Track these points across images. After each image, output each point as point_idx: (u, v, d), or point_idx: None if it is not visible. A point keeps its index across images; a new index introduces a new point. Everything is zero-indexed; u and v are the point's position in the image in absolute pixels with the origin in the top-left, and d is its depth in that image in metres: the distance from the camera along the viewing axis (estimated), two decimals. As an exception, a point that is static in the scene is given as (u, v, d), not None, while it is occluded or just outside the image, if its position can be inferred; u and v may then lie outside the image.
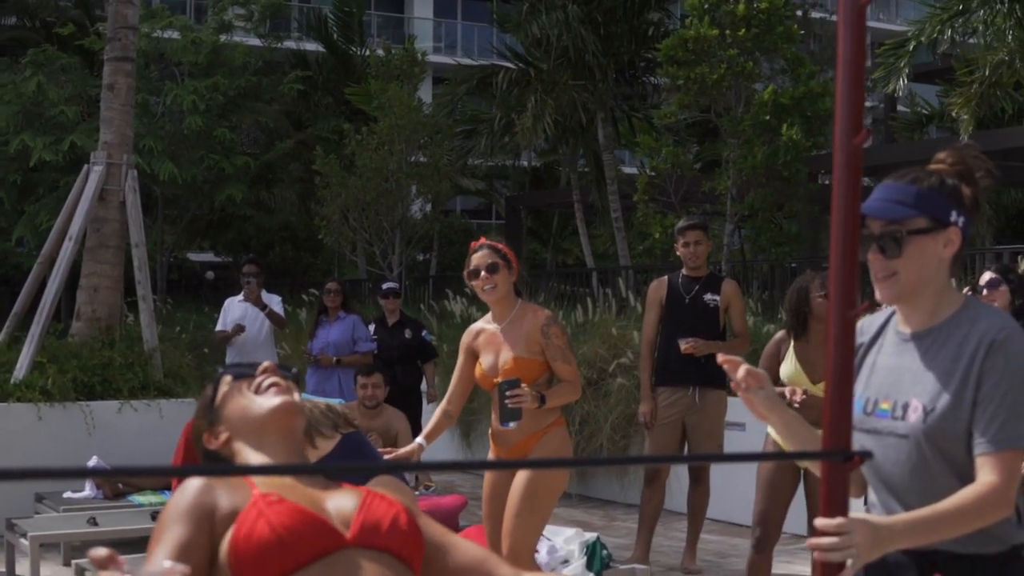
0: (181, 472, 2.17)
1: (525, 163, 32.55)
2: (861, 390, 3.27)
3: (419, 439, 6.76)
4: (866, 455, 2.69)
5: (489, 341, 6.71)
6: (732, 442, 9.52)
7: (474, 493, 13.13)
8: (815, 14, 30.52)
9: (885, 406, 3.24)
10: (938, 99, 30.75)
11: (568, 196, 26.06)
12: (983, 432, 3.06)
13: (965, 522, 3.01)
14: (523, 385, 6.37)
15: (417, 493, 10.85)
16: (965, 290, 7.71)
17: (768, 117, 13.66)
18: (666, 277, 9.55)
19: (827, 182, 21.18)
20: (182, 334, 19.35)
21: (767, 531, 7.49)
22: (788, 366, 7.36)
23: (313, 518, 2.69)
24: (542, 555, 7.41)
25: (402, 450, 6.77)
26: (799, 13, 14.50)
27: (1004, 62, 14.35)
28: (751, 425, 10.06)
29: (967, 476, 3.09)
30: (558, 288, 17.27)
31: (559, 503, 12.78)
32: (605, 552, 7.56)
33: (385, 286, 12.99)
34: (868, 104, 40.52)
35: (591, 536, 7.63)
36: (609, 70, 19.49)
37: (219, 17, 25.67)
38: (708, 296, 9.18)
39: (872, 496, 3.32)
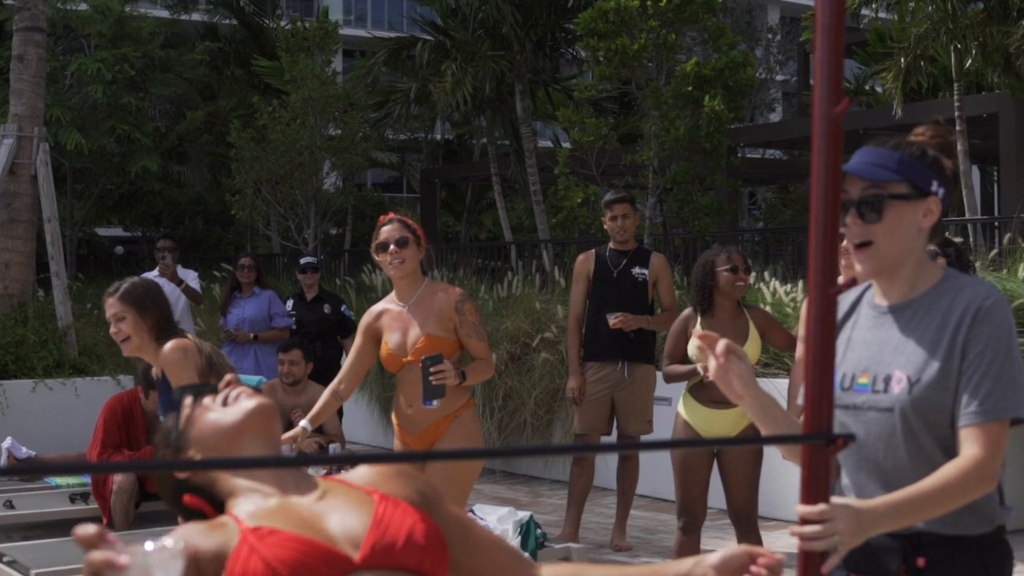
0: (152, 467, 2.00)
1: (439, 136, 32.37)
2: (836, 367, 3.15)
3: (303, 422, 6.56)
4: (849, 437, 2.58)
5: (395, 320, 6.48)
6: (658, 417, 9.42)
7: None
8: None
9: (864, 380, 3.11)
10: (856, 73, 30.97)
11: (484, 169, 25.93)
12: (967, 403, 2.96)
13: (949, 499, 2.90)
14: (446, 361, 6.22)
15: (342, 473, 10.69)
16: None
17: (690, 88, 13.58)
18: (593, 250, 9.44)
19: (746, 155, 21.27)
20: (94, 310, 18.98)
21: (692, 514, 7.45)
22: (696, 343, 7.28)
23: (314, 546, 2.39)
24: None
25: (287, 434, 6.39)
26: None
27: (928, 34, 14.38)
28: (677, 400, 9.99)
29: (953, 450, 2.99)
30: (476, 262, 17.12)
31: (483, 479, 12.75)
32: (539, 531, 7.43)
33: (303, 261, 12.80)
34: (780, 78, 40.89)
35: (524, 515, 7.50)
36: (527, 42, 19.33)
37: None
38: (636, 270, 9.09)
39: (844, 479, 3.21)
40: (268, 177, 20.64)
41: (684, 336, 7.44)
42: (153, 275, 12.42)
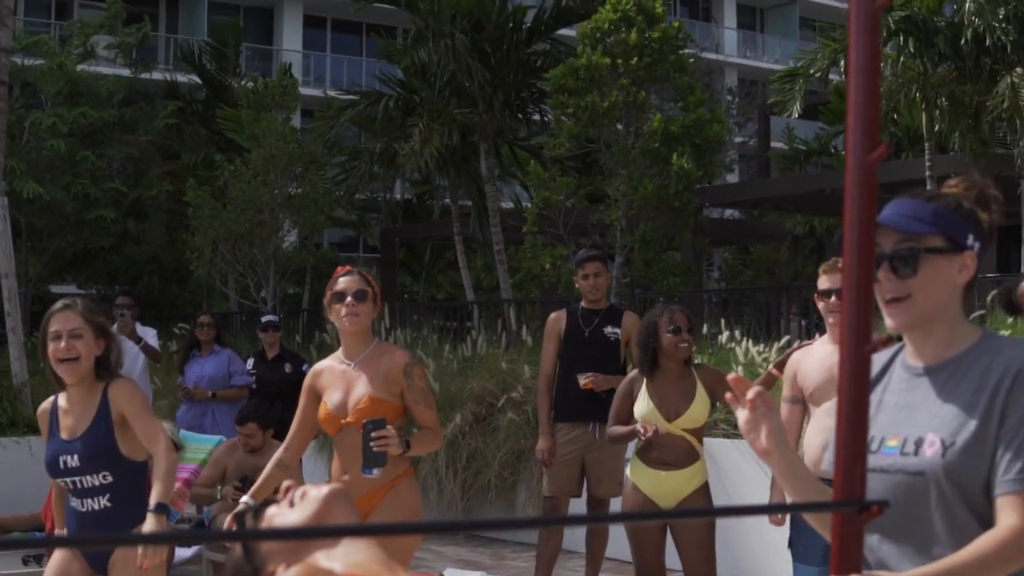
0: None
1: (398, 196, 32.24)
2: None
3: (244, 499, 6.09)
4: (883, 504, 2.39)
5: (338, 378, 6.07)
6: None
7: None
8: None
9: (893, 443, 2.91)
10: (820, 132, 31.11)
11: (444, 228, 25.80)
12: (1006, 470, 2.76)
13: (986, 572, 2.72)
14: (389, 427, 5.75)
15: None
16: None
17: (657, 145, 13.48)
18: (565, 309, 9.29)
19: (713, 215, 21.22)
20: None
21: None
22: (642, 404, 7.15)
23: None
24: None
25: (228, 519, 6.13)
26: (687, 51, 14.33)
27: (900, 89, 14.36)
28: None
29: (987, 520, 2.81)
30: (438, 322, 16.94)
31: (445, 541, 12.52)
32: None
33: (265, 319, 12.62)
34: (738, 139, 41.08)
35: (492, 581, 7.29)
36: (495, 100, 19.23)
37: (83, 45, 25.17)
38: (608, 329, 8.92)
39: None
40: (227, 235, 20.43)
41: (629, 398, 7.27)
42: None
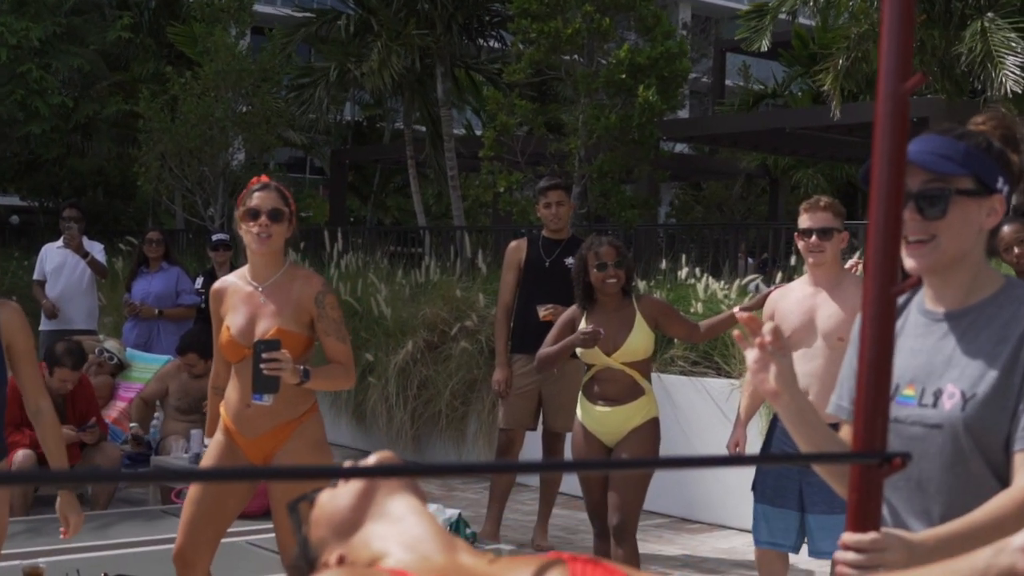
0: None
1: (348, 118, 31.88)
2: None
3: (205, 440, 5.86)
4: (906, 456, 2.24)
5: (243, 301, 5.54)
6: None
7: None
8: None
9: (909, 392, 2.77)
10: (778, 74, 30.97)
11: (395, 152, 25.50)
12: None
13: (1002, 535, 2.58)
14: (284, 350, 5.28)
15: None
16: (850, 262, 7.37)
17: (624, 76, 13.26)
18: (525, 238, 9.13)
19: (675, 148, 21.06)
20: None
21: (601, 519, 7.15)
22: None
23: None
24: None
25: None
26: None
27: (868, 35, 14.19)
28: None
29: (1005, 476, 2.66)
30: (389, 247, 16.72)
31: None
32: (469, 530, 7.09)
33: (216, 237, 12.36)
34: (692, 75, 40.93)
35: (453, 513, 7.15)
36: (453, 23, 18.92)
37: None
38: (570, 260, 8.74)
39: None
40: (176, 151, 20.05)
41: (570, 329, 7.07)
42: (57, 246, 11.96)
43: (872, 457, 2.28)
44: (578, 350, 6.99)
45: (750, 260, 15.30)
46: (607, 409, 6.94)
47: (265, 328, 5.42)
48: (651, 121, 13.36)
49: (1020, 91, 13.03)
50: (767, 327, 2.63)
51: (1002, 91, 12.58)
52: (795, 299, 6.31)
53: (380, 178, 32.18)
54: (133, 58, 25.84)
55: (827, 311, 6.13)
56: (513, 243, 9.19)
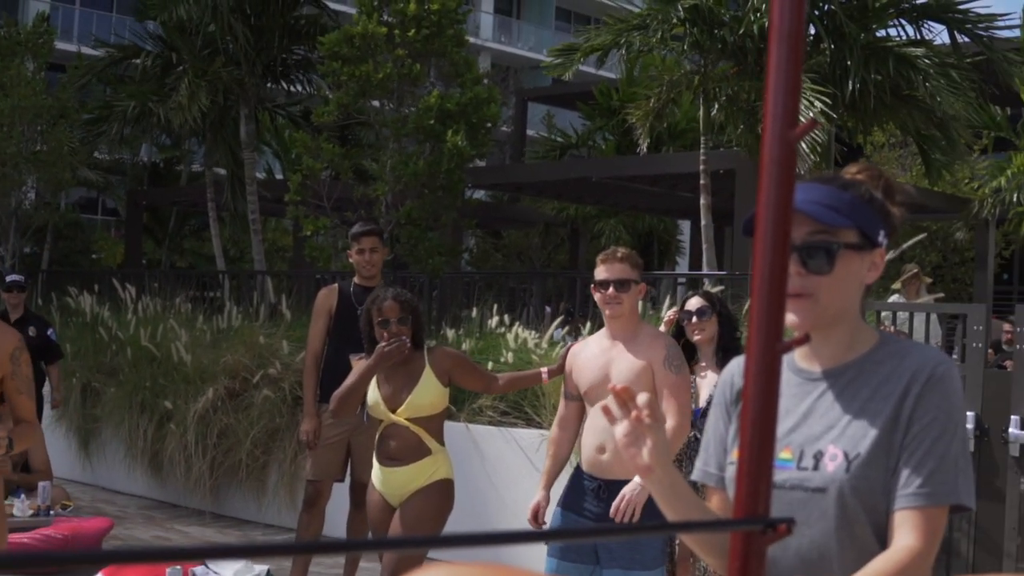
0: None
1: (145, 158, 31.21)
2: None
3: None
4: (791, 521, 2.10)
5: None
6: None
7: (123, 514, 12.12)
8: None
9: (786, 455, 2.62)
10: (577, 125, 31.27)
11: (194, 195, 24.98)
12: (906, 483, 2.52)
13: None
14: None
15: (53, 513, 9.85)
16: (668, 314, 7.33)
17: (433, 122, 13.11)
18: (336, 285, 8.90)
19: (475, 196, 20.98)
20: None
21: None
22: (371, 394, 6.66)
23: None
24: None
25: None
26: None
27: (681, 81, 14.31)
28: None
29: (886, 538, 2.55)
30: (190, 292, 16.28)
31: (191, 522, 11.99)
32: (279, 587, 6.82)
33: (10, 279, 11.92)
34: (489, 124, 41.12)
35: (262, 569, 6.87)
36: (257, 65, 18.60)
37: None
38: (382, 308, 8.56)
39: None
40: (-35, 188, 19.35)
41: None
42: None
43: (755, 523, 2.13)
44: (368, 405, 6.70)
45: (547, 309, 15.26)
46: (389, 469, 6.64)
47: None
48: (459, 167, 13.24)
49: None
50: (641, 398, 2.47)
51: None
52: (591, 353, 6.14)
53: (176, 221, 31.56)
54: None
55: (621, 365, 5.96)
56: (324, 290, 8.96)
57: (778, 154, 2.13)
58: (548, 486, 6.34)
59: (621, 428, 2.48)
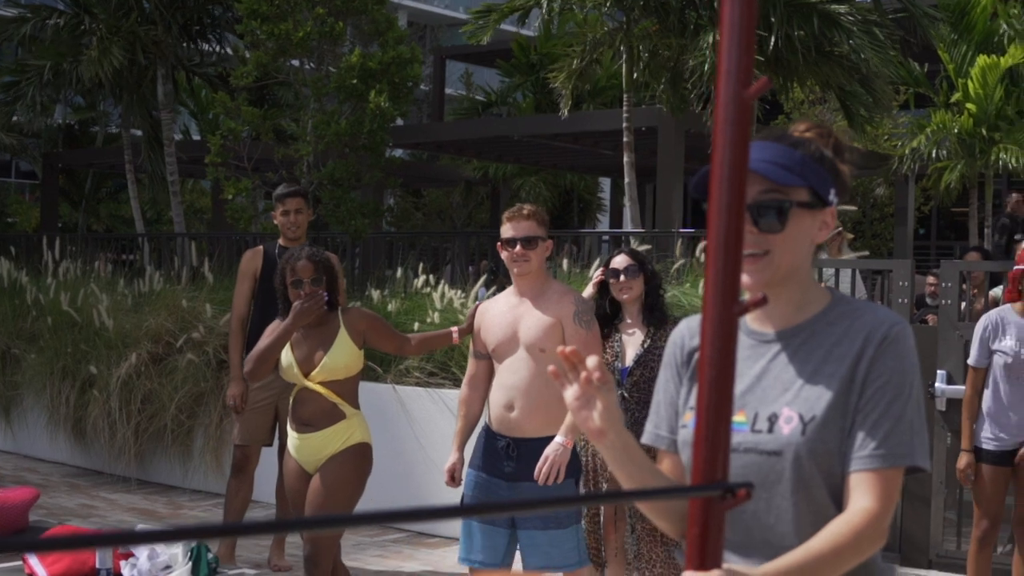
0: None
1: (59, 120, 30.75)
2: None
3: None
4: (750, 486, 2.08)
5: None
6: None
7: (47, 482, 11.97)
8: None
9: (740, 418, 2.58)
10: (493, 83, 31.18)
11: (111, 157, 24.69)
12: (861, 445, 2.50)
13: (841, 562, 2.43)
14: None
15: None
16: (596, 274, 7.30)
17: (355, 81, 12.97)
18: (261, 247, 8.80)
19: (396, 154, 20.84)
20: None
21: (314, 542, 6.72)
22: (285, 356, 6.45)
23: None
24: (141, 560, 6.50)
25: None
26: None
27: (604, 40, 14.27)
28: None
29: (842, 499, 2.53)
30: (110, 255, 16.08)
31: (117, 488, 11.87)
32: (211, 555, 6.75)
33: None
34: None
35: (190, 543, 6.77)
36: (173, 24, 18.33)
37: None
38: (308, 270, 8.47)
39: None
40: None
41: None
42: None
43: (714, 488, 2.12)
44: (282, 367, 6.59)
45: (470, 268, 15.23)
46: (303, 435, 6.44)
47: None
48: (382, 127, 13.11)
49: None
50: (591, 361, 2.42)
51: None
52: (499, 310, 6.09)
53: (92, 183, 31.15)
54: None
55: (529, 321, 5.92)
56: (248, 252, 8.86)
57: (733, 114, 2.11)
58: (461, 447, 6.29)
59: (571, 391, 2.43)
